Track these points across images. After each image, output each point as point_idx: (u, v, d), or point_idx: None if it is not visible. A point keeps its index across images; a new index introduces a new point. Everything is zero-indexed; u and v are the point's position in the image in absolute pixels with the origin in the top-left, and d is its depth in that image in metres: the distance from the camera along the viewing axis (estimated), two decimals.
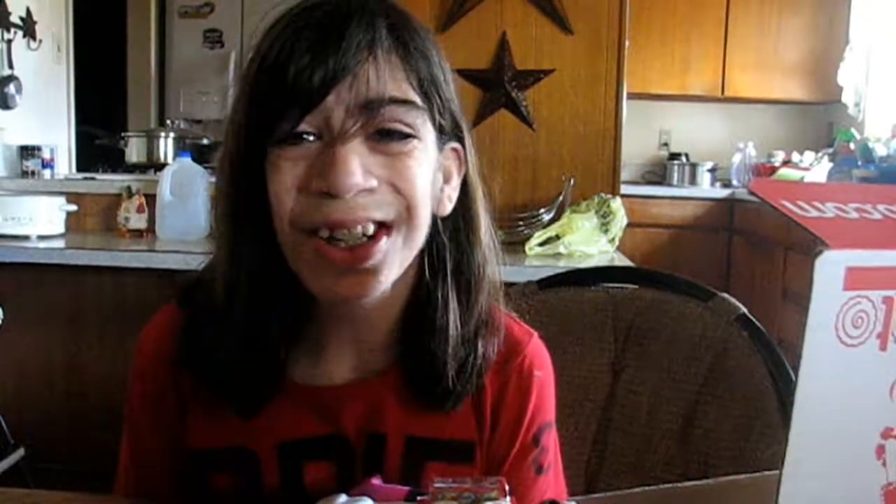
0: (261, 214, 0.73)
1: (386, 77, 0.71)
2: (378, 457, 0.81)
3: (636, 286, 1.20)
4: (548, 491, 0.86)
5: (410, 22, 0.76)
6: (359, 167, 0.70)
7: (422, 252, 0.78)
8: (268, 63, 0.72)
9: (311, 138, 0.71)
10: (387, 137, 0.72)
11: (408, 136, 0.73)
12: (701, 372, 1.12)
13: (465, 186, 0.81)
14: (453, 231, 0.80)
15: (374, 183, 0.71)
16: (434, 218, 0.78)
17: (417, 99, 0.74)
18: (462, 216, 0.81)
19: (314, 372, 0.81)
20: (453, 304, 0.79)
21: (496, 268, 0.83)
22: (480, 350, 0.81)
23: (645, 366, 1.15)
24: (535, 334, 0.87)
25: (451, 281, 0.79)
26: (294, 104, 0.70)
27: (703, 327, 1.13)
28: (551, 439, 0.87)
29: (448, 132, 0.78)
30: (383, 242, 0.72)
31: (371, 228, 0.72)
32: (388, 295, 0.77)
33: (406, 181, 0.72)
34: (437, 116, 0.76)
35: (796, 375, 0.48)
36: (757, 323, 1.11)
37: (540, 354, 0.86)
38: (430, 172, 0.75)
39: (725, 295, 1.14)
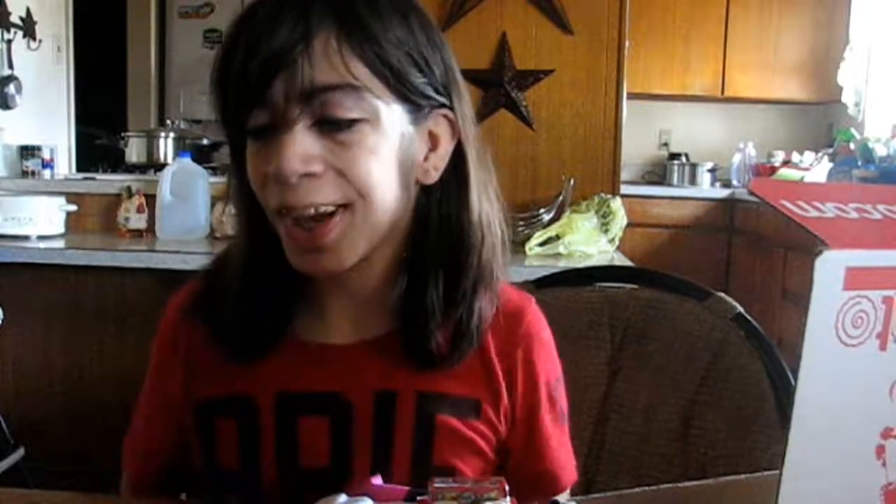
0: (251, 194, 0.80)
1: (322, 63, 0.73)
2: (389, 414, 0.83)
3: (632, 286, 1.20)
4: (565, 437, 0.92)
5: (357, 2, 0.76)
6: (297, 153, 0.73)
7: (416, 222, 0.82)
8: (217, 64, 0.77)
9: (268, 129, 0.75)
10: (331, 125, 0.75)
11: (354, 121, 0.75)
12: (698, 371, 1.12)
13: (456, 154, 0.82)
14: (444, 196, 0.82)
15: (316, 168, 0.75)
16: (426, 188, 0.81)
17: (362, 80, 0.74)
18: (448, 184, 0.82)
19: (318, 331, 0.85)
20: (441, 266, 0.82)
21: (498, 229, 0.85)
22: (476, 308, 0.83)
23: (642, 365, 1.15)
24: (533, 298, 0.91)
25: (438, 243, 0.82)
26: (240, 101, 0.75)
27: (699, 327, 1.13)
28: (561, 391, 0.92)
29: (427, 102, 0.79)
30: (336, 222, 0.76)
31: (321, 210, 0.76)
32: (368, 265, 0.81)
33: (353, 167, 0.75)
34: (403, 91, 0.77)
35: (796, 375, 0.48)
36: (754, 322, 1.11)
37: (541, 316, 0.90)
38: (390, 152, 0.77)
39: (722, 294, 1.14)
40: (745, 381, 1.09)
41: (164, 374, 0.90)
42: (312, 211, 0.75)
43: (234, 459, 0.83)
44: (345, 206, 0.76)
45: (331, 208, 0.76)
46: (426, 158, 0.81)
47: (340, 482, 0.79)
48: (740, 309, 1.12)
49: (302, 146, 0.74)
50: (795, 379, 0.48)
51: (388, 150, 0.77)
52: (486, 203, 0.84)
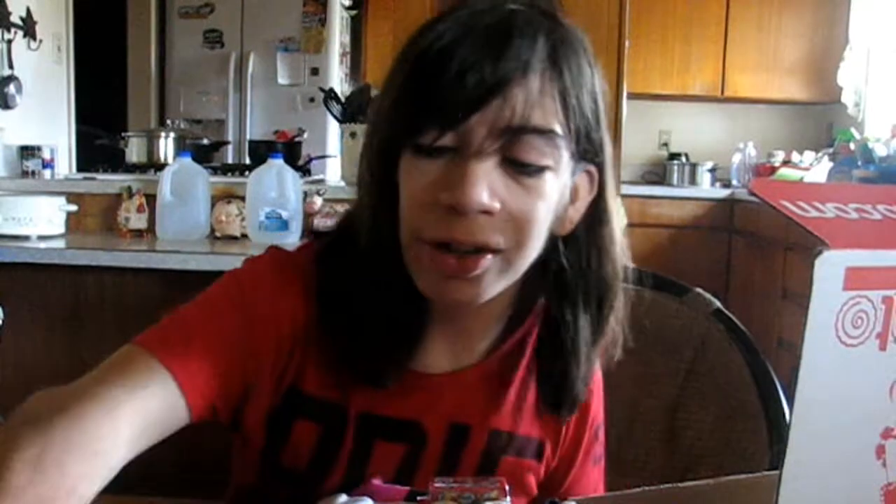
0: (392, 204, 0.75)
1: (534, 102, 0.71)
2: (459, 447, 0.83)
3: None
4: (600, 479, 0.94)
5: (572, 41, 0.75)
6: (486, 187, 0.70)
7: (533, 267, 0.78)
8: (421, 68, 0.72)
9: (448, 151, 0.71)
10: (521, 167, 0.72)
11: (542, 168, 0.72)
12: (681, 365, 1.15)
13: (594, 208, 0.80)
14: (575, 252, 0.80)
15: (497, 206, 0.71)
16: (554, 237, 0.78)
17: (559, 129, 0.73)
18: (588, 239, 0.81)
19: (415, 360, 0.82)
20: (584, 325, 0.82)
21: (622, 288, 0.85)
22: (595, 366, 0.85)
23: (625, 361, 1.17)
24: None
25: (582, 304, 0.81)
26: (438, 120, 0.70)
27: (680, 323, 1.15)
28: (602, 433, 0.94)
29: (587, 155, 0.77)
30: (489, 259, 0.73)
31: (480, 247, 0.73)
32: (490, 303, 0.78)
33: (527, 214, 0.73)
34: (578, 143, 0.75)
35: (796, 375, 0.48)
36: (732, 317, 1.13)
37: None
38: (554, 201, 0.75)
39: (700, 290, 1.16)
40: (728, 374, 1.11)
41: (251, 326, 0.78)
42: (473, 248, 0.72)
43: (304, 462, 0.81)
44: (497, 250, 0.73)
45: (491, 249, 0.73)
46: (566, 209, 0.78)
47: None
48: (718, 304, 1.14)
49: (489, 178, 0.70)
50: (795, 378, 0.48)
51: (554, 199, 0.75)
52: (621, 254, 0.84)
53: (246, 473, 0.86)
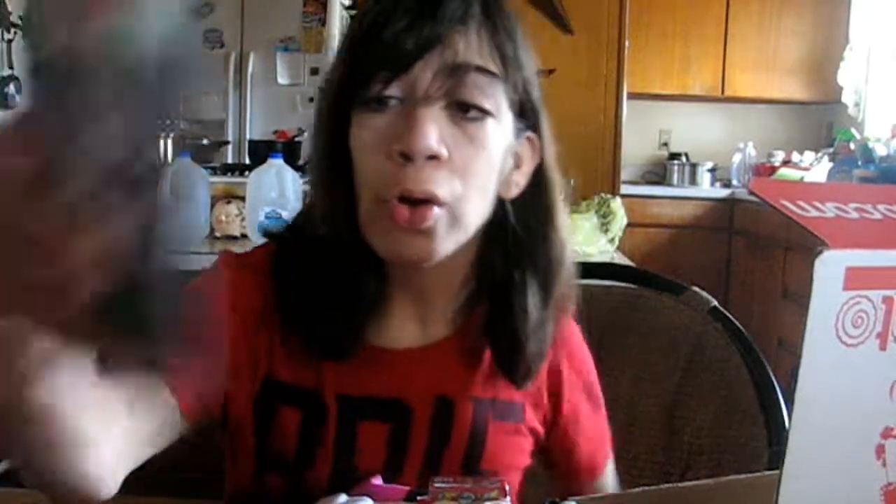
0: (345, 171, 0.77)
1: (474, 47, 0.75)
2: (446, 420, 0.84)
3: (608, 282, 1.23)
4: (602, 423, 0.95)
5: (503, 3, 0.80)
6: (434, 131, 0.73)
7: (488, 233, 0.81)
8: (365, 25, 0.76)
9: (395, 102, 0.75)
10: (465, 111, 0.75)
11: (485, 113, 0.76)
12: (679, 364, 1.15)
13: (538, 176, 0.84)
14: (523, 217, 0.83)
15: (444, 152, 0.74)
16: (502, 201, 0.81)
17: (499, 73, 0.77)
18: (535, 204, 0.84)
19: (379, 334, 0.83)
20: (534, 289, 0.83)
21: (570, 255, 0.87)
22: (551, 331, 0.85)
23: (623, 360, 1.18)
24: None
25: (531, 267, 0.83)
26: (384, 68, 0.74)
27: (677, 321, 1.16)
28: (597, 382, 0.96)
29: (526, 118, 0.81)
30: (436, 210, 0.75)
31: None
32: (447, 267, 0.80)
33: (471, 164, 0.76)
34: (517, 95, 0.79)
35: (796, 375, 0.48)
36: (728, 315, 1.14)
37: (572, 320, 0.93)
38: (499, 156, 0.78)
39: (696, 288, 1.17)
40: (726, 372, 1.12)
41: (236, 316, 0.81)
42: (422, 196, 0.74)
43: (291, 449, 0.82)
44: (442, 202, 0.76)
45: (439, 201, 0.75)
46: (511, 174, 0.82)
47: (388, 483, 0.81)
48: (714, 302, 1.15)
49: (438, 124, 0.74)
50: (795, 378, 0.48)
51: (497, 157, 0.78)
52: (566, 223, 0.87)
53: (239, 477, 0.86)
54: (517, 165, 0.82)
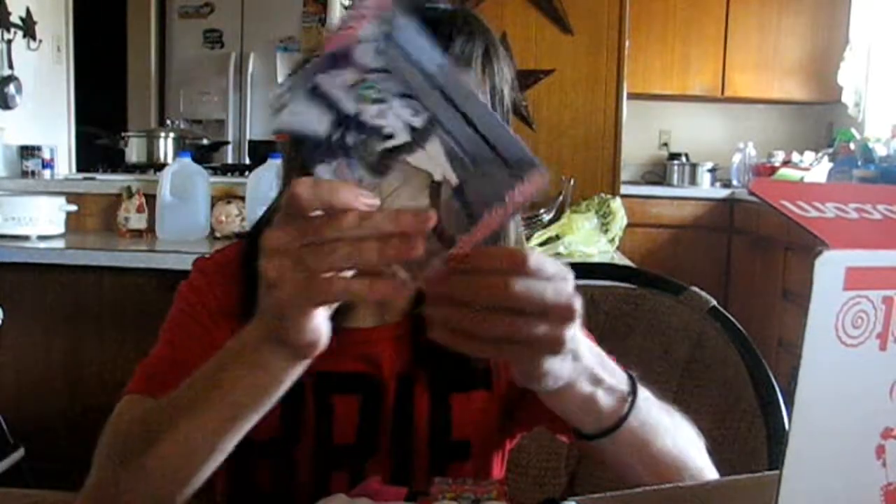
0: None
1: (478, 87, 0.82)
2: (408, 396, 0.89)
3: (607, 282, 1.23)
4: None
5: (496, 44, 0.86)
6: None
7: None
8: None
9: None
10: None
11: None
12: (679, 363, 1.15)
13: None
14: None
15: None
16: None
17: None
18: None
19: (343, 315, 0.84)
20: None
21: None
22: None
23: (622, 360, 1.17)
24: None
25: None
26: None
27: (677, 320, 1.16)
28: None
29: None
30: None
31: None
32: None
33: None
34: None
35: (796, 375, 0.48)
36: (727, 314, 1.14)
37: None
38: None
39: (695, 288, 1.17)
40: (725, 371, 1.13)
41: (203, 322, 0.89)
42: None
43: (273, 430, 0.86)
44: None
45: None
46: None
47: (364, 459, 0.86)
48: (713, 302, 1.15)
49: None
50: (795, 378, 0.48)
51: None
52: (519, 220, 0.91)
53: (229, 467, 0.88)
54: None
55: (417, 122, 0.58)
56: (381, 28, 0.57)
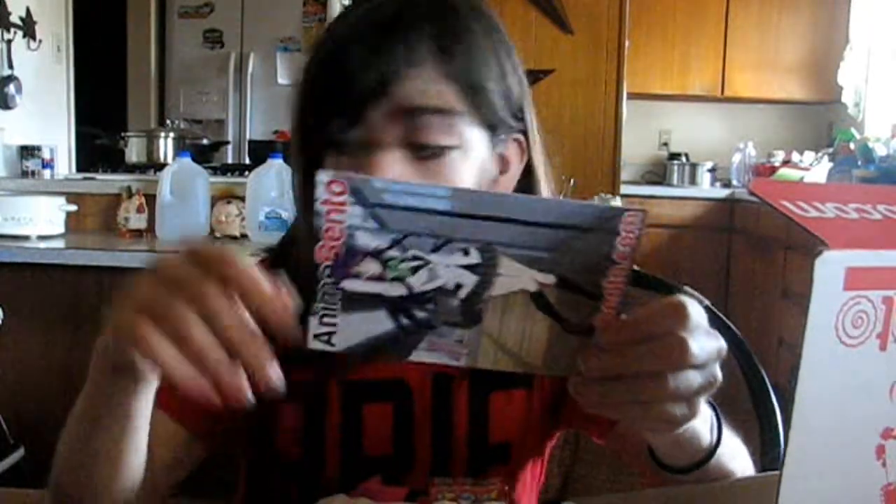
0: None
1: (428, 86, 0.73)
2: (446, 395, 0.85)
3: None
4: None
5: (463, 21, 0.77)
6: (389, 175, 0.72)
7: None
8: (308, 75, 0.78)
9: (354, 146, 0.75)
10: (425, 150, 0.74)
11: (445, 148, 0.74)
12: None
13: (528, 170, 0.84)
14: None
15: None
16: None
17: (459, 106, 0.75)
18: None
19: None
20: None
21: None
22: None
23: None
24: None
25: None
26: (338, 114, 0.74)
27: None
28: None
29: (508, 124, 0.80)
30: None
31: None
32: None
33: None
34: (488, 117, 0.77)
35: (796, 375, 0.48)
36: (721, 315, 1.13)
37: None
38: (472, 176, 0.77)
39: (688, 288, 1.16)
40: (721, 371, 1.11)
41: None
42: None
43: (297, 447, 0.83)
44: None
45: None
46: (496, 182, 0.81)
47: (404, 470, 0.82)
48: (707, 302, 1.14)
49: (393, 168, 0.73)
50: (795, 378, 0.48)
51: (469, 178, 0.77)
52: None
53: (251, 481, 0.87)
54: (503, 171, 0.82)
55: (473, 258, 0.53)
56: (362, 203, 0.51)
